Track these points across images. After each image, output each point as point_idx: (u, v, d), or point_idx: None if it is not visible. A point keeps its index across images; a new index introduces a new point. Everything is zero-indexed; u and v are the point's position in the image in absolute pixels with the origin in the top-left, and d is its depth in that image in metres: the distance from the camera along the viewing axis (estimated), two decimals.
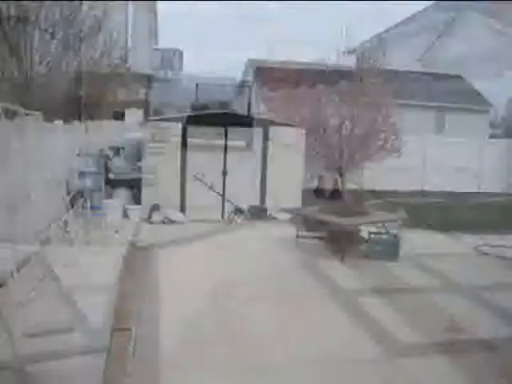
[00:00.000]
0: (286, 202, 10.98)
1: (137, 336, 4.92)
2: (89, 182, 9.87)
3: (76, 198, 8.73)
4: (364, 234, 8.71)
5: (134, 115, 16.58)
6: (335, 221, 8.29)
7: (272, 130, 11.75)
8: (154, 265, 7.55)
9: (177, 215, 11.14)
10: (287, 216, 10.64)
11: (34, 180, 7.18)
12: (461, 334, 5.35)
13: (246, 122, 12.10)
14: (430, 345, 5.05)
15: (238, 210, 11.50)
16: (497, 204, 14.97)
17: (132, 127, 13.25)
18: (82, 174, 9.69)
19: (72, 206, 8.35)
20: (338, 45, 14.35)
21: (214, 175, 11.57)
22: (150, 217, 11.03)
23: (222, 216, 11.61)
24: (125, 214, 11.01)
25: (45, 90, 12.54)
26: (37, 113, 7.57)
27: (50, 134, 8.48)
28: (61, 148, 9.00)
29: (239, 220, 11.37)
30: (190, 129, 11.41)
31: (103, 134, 13.25)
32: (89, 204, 8.87)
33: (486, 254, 8.88)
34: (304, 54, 16.50)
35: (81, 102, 13.66)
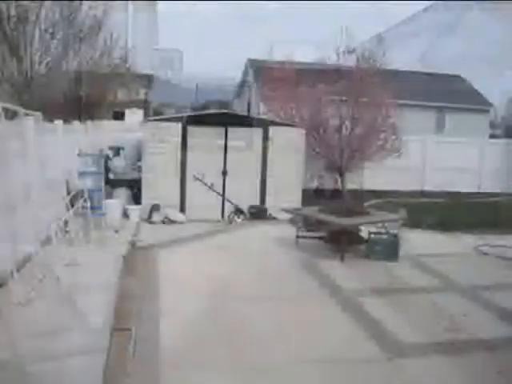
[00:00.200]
0: (286, 202, 10.98)
1: (137, 336, 4.92)
2: (89, 182, 9.87)
3: (76, 197, 8.72)
4: (364, 234, 8.72)
5: (133, 115, 16.60)
6: (335, 221, 8.29)
7: (272, 129, 11.75)
8: (154, 265, 7.55)
9: (177, 215, 11.15)
10: (287, 216, 10.63)
11: (34, 180, 7.18)
12: (461, 334, 5.35)
13: (246, 121, 12.11)
14: (430, 345, 5.05)
15: (238, 210, 11.50)
16: (497, 204, 14.97)
17: (132, 127, 13.25)
18: (81, 174, 9.69)
19: (72, 206, 8.34)
20: (337, 45, 14.31)
21: (214, 175, 11.57)
22: (149, 217, 11.03)
23: (222, 216, 11.62)
24: (125, 214, 11.01)
25: (45, 90, 12.56)
26: (37, 113, 7.57)
27: (49, 134, 8.47)
28: (61, 148, 8.99)
29: (239, 220, 11.38)
30: (190, 129, 11.41)
31: (103, 134, 13.26)
32: (89, 204, 8.87)
33: (486, 253, 8.88)
34: (304, 54, 16.45)
35: (81, 102, 13.69)
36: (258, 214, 11.57)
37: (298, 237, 8.96)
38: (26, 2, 12.08)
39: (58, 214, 8.06)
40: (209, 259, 8.08)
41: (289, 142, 11.72)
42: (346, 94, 14.26)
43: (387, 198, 14.15)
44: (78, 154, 10.10)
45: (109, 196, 10.97)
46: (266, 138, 11.70)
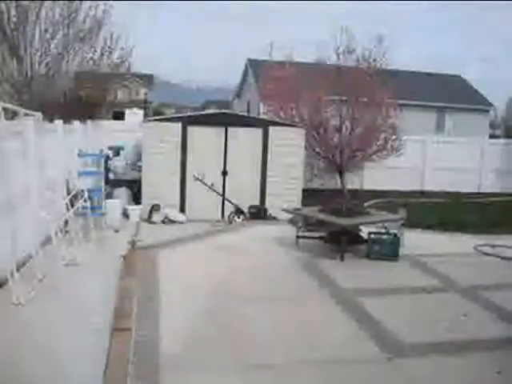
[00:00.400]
0: (286, 202, 10.99)
1: (137, 336, 4.92)
2: (89, 182, 9.88)
3: (76, 197, 8.73)
4: (364, 234, 8.72)
5: (134, 115, 16.60)
6: (335, 221, 8.29)
7: (272, 129, 11.75)
8: (154, 265, 7.55)
9: (177, 215, 11.15)
10: (287, 216, 10.63)
11: (34, 180, 7.19)
12: (461, 334, 5.35)
13: (245, 121, 12.11)
14: (430, 345, 5.05)
15: (238, 210, 11.50)
16: (497, 204, 14.98)
17: (132, 127, 13.26)
18: (81, 174, 9.69)
19: (72, 206, 8.35)
20: (337, 45, 14.31)
21: (214, 175, 11.57)
22: (149, 217, 11.03)
23: (222, 216, 11.62)
24: (125, 214, 11.02)
25: (45, 90, 12.57)
26: (37, 113, 7.57)
27: (49, 134, 8.48)
28: (61, 148, 9.00)
29: (239, 220, 11.38)
30: (190, 129, 11.42)
31: (103, 133, 13.26)
32: (89, 204, 8.87)
33: (486, 253, 8.88)
34: (304, 54, 16.43)
35: (81, 102, 13.68)
36: (258, 213, 11.58)
37: (298, 237, 8.96)
38: (26, 2, 12.08)
39: (58, 214, 8.06)
40: (209, 259, 8.08)
41: (289, 142, 11.71)
42: (346, 94, 14.27)
43: (387, 198, 14.15)
44: (78, 154, 10.11)
45: (109, 196, 10.98)
46: (265, 137, 11.70)
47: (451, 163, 16.42)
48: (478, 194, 16.63)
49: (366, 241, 8.54)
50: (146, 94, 37.22)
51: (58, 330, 5.02)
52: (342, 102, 14.49)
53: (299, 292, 6.67)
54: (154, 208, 11.07)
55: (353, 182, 16.17)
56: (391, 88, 14.27)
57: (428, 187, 16.64)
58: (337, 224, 8.34)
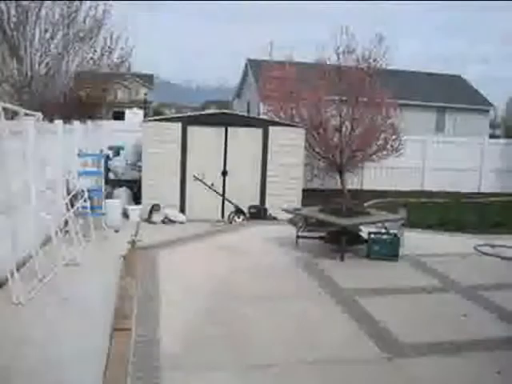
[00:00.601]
0: (286, 202, 10.99)
1: (137, 336, 4.92)
2: (89, 182, 9.88)
3: (76, 197, 8.73)
4: (364, 234, 8.72)
5: (134, 115, 16.60)
6: (335, 221, 8.30)
7: (272, 129, 11.74)
8: (154, 265, 7.55)
9: (177, 215, 11.15)
10: (287, 216, 10.63)
11: (34, 180, 7.18)
12: (460, 334, 5.35)
13: (245, 121, 12.11)
14: (429, 345, 5.05)
15: (238, 210, 11.50)
16: (497, 204, 14.98)
17: (132, 127, 13.26)
18: (81, 174, 9.69)
19: (72, 206, 8.35)
20: (337, 45, 14.31)
21: (214, 175, 11.58)
22: (149, 217, 11.03)
23: (222, 216, 11.62)
24: (125, 214, 11.02)
25: (45, 90, 12.56)
26: (37, 113, 7.57)
27: (49, 134, 8.48)
28: (61, 148, 9.00)
29: (239, 220, 11.38)
30: (190, 129, 11.42)
31: (103, 134, 13.27)
32: (89, 204, 8.87)
33: (486, 254, 8.88)
34: (304, 54, 16.45)
35: (81, 102, 13.68)
36: (258, 213, 11.58)
37: (298, 237, 8.96)
38: (26, 2, 12.08)
39: (58, 214, 8.07)
40: (209, 259, 8.08)
41: (289, 142, 11.71)
42: (346, 94, 14.27)
43: (387, 198, 14.15)
44: (78, 154, 10.11)
45: (109, 196, 10.98)
46: (265, 137, 11.70)
47: (451, 163, 16.44)
48: (478, 193, 16.65)
49: (366, 241, 8.54)
50: (145, 94, 37.25)
51: (57, 329, 5.03)
52: (341, 102, 14.50)
53: (299, 292, 6.67)
54: (154, 208, 11.07)
55: (353, 181, 16.19)
56: (391, 88, 14.29)
57: (428, 187, 16.65)
58: (337, 224, 8.34)
